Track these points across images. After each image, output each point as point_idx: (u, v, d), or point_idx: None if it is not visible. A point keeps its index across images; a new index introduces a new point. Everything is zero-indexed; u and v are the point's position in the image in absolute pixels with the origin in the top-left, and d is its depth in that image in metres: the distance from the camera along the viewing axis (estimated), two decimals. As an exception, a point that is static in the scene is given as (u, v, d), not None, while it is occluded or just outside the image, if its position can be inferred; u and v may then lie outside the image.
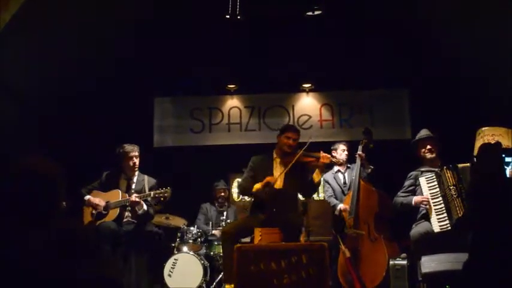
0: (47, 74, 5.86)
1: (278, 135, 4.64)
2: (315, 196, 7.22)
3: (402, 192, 4.82)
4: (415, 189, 4.77)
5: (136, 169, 4.88)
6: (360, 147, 5.27)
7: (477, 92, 6.22)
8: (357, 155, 5.23)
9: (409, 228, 4.62)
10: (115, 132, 6.23)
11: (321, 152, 4.42)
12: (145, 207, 4.69)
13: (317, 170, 4.44)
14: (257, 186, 4.40)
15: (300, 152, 4.37)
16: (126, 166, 4.85)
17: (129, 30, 6.35)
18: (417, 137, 4.90)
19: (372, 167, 5.29)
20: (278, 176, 4.38)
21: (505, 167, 4.26)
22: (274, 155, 4.62)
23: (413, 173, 4.82)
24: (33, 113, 6.09)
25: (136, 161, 4.85)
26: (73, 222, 1.95)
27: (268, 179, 4.33)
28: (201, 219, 6.49)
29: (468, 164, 4.36)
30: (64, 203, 2.07)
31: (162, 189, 4.69)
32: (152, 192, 4.68)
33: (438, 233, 4.40)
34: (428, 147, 4.78)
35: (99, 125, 6.88)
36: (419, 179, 4.69)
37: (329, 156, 4.42)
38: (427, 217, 4.55)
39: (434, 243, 4.39)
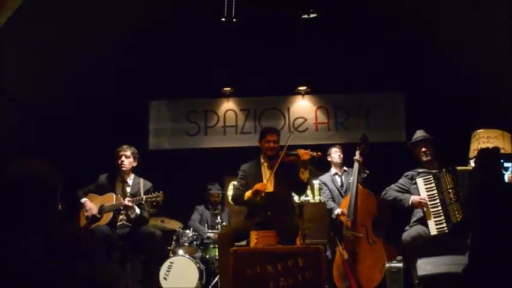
0: (44, 77, 5.84)
1: (259, 141, 4.65)
2: (310, 199, 7.23)
3: (396, 186, 4.79)
4: (409, 189, 4.74)
5: (124, 169, 4.80)
6: (357, 153, 5.32)
7: (472, 95, 6.24)
8: (354, 159, 5.29)
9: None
10: (111, 135, 6.20)
11: (299, 150, 4.42)
12: (138, 211, 4.64)
13: (301, 168, 4.43)
14: (248, 194, 4.41)
15: (282, 153, 4.39)
16: (117, 165, 4.82)
17: (126, 33, 6.34)
18: (413, 139, 4.90)
19: (368, 172, 5.35)
20: (266, 181, 4.39)
21: (504, 172, 4.28)
22: (262, 160, 4.63)
23: (410, 172, 4.81)
24: (31, 116, 6.07)
25: (125, 160, 4.78)
26: (69, 225, 1.94)
27: (256, 186, 4.33)
28: (196, 219, 6.45)
29: (468, 167, 4.36)
30: (60, 205, 2.06)
31: (154, 193, 4.65)
32: (144, 197, 4.63)
33: (434, 236, 4.40)
34: (423, 149, 4.76)
35: (96, 128, 6.85)
36: (417, 179, 4.67)
37: (308, 151, 4.39)
38: (421, 221, 4.54)
39: (425, 246, 4.38)
